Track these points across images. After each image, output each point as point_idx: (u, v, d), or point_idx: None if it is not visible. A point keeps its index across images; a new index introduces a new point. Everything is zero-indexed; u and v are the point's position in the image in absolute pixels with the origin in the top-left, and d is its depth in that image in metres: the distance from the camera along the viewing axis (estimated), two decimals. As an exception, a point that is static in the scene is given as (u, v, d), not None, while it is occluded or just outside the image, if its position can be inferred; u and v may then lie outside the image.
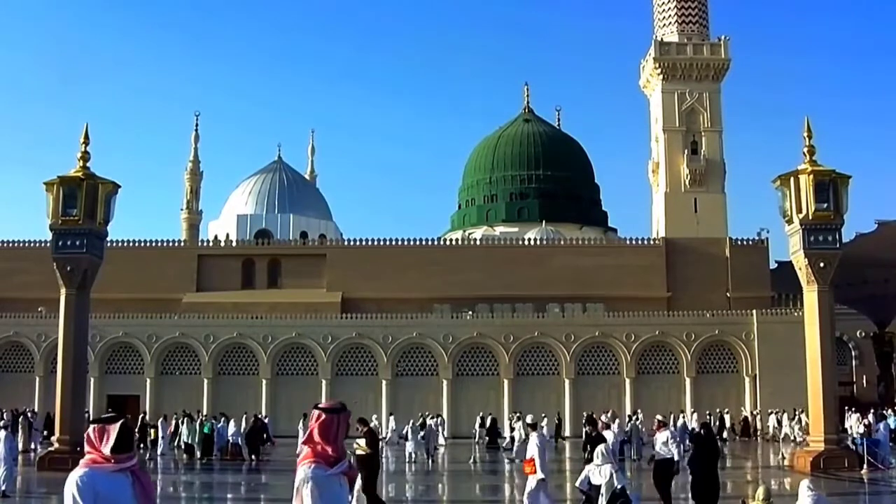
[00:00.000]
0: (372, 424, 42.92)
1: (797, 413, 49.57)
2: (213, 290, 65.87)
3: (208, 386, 57.29)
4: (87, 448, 5.57)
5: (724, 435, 49.34)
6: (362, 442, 18.61)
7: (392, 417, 51.28)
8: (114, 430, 5.48)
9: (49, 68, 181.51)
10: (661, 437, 20.07)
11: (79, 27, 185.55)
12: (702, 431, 20.07)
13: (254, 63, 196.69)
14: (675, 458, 19.92)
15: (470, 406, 54.97)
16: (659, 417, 21.32)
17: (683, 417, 48.14)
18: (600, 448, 18.05)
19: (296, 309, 60.28)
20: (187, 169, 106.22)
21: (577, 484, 19.29)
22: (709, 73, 72.24)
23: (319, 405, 5.97)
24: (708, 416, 48.91)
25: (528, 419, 19.34)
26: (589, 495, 18.18)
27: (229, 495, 28.51)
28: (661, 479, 19.65)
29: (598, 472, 17.67)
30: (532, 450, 17.54)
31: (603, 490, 17.21)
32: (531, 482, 17.23)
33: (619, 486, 16.92)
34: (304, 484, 5.78)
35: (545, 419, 43.56)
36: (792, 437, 48.73)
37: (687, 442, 43.11)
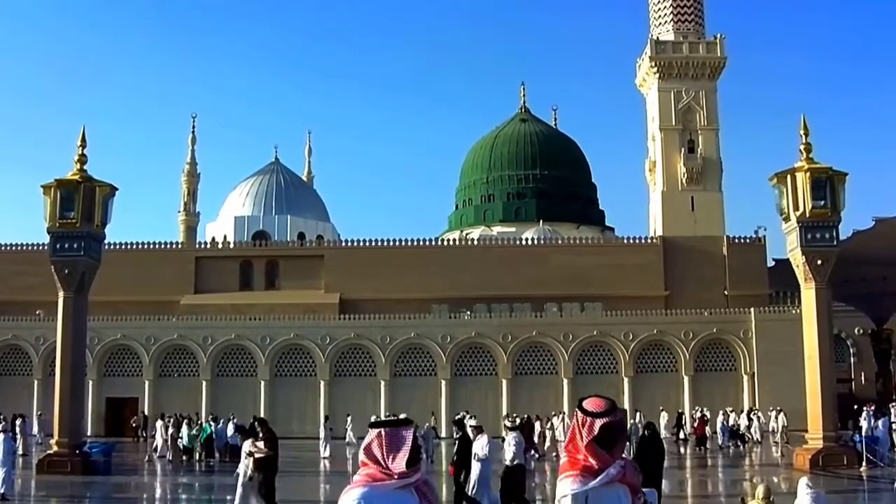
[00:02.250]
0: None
1: (752, 413, 49.82)
2: (211, 291, 65.86)
3: (207, 388, 57.27)
4: (363, 459, 4.57)
5: (682, 435, 49.39)
6: (261, 444, 18.21)
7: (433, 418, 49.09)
8: (407, 437, 4.57)
9: (47, 69, 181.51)
10: (508, 440, 19.00)
11: (77, 28, 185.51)
12: (646, 432, 19.48)
13: (250, 64, 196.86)
14: (520, 461, 18.80)
15: (469, 406, 54.83)
16: (506, 423, 20.51)
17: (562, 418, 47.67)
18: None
19: (294, 310, 60.28)
20: (184, 171, 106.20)
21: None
22: (705, 72, 72.28)
23: (583, 403, 5.02)
24: (664, 416, 49.23)
25: (403, 417, 18.89)
26: None
27: (228, 497, 28.44)
28: (511, 487, 18.41)
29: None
30: None
31: None
32: None
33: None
34: (561, 501, 4.92)
35: (434, 419, 43.65)
36: (749, 438, 48.70)
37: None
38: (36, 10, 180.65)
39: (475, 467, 18.31)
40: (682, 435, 49.24)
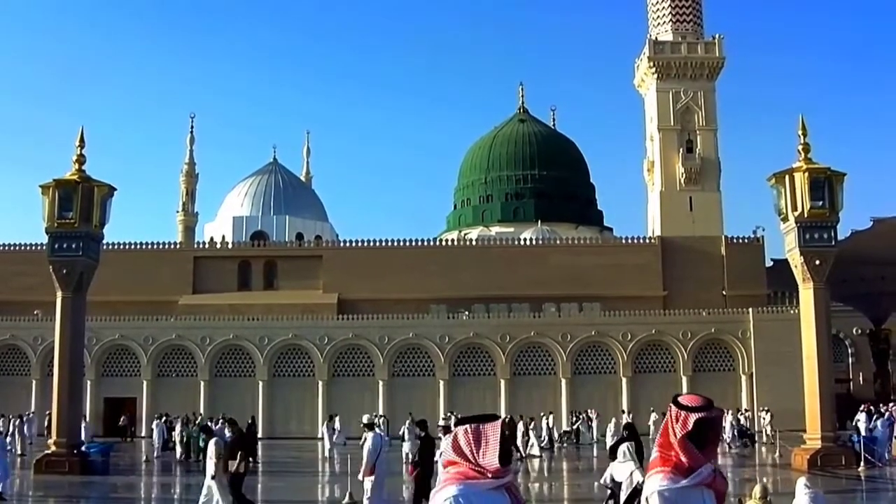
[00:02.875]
0: (364, 422, 42.88)
1: (739, 413, 50.05)
2: (210, 291, 65.81)
3: (205, 388, 57.21)
4: (452, 457, 4.33)
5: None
6: (234, 464, 17.97)
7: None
8: (493, 433, 4.30)
9: (45, 70, 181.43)
10: None
11: (75, 28, 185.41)
12: (625, 433, 19.41)
13: (249, 64, 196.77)
14: None
15: (467, 407, 54.84)
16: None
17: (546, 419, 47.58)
18: (623, 447, 18.09)
19: (292, 310, 60.23)
20: (183, 171, 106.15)
21: (602, 481, 19.37)
22: (703, 72, 72.28)
23: (678, 398, 4.81)
24: (629, 416, 49.28)
25: (364, 419, 18.64)
26: (613, 491, 18.33)
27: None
28: None
29: (621, 470, 17.81)
30: (364, 451, 17.15)
31: (624, 486, 17.34)
32: (367, 485, 16.83)
33: (641, 482, 17.00)
34: (649, 497, 4.73)
35: (382, 418, 44.08)
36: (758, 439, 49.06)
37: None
38: (36, 10, 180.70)
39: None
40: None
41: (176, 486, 30.90)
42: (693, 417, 4.67)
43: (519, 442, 39.86)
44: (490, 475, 4.23)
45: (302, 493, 27.89)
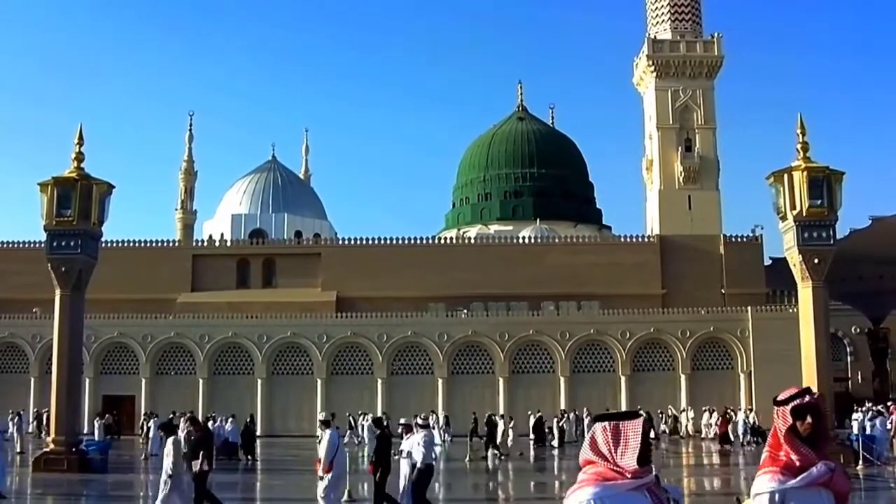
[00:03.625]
0: (321, 419, 42.72)
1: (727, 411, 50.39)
2: (208, 289, 65.82)
3: (203, 386, 57.20)
4: (590, 456, 4.14)
5: (653, 434, 50.12)
6: (198, 464, 17.70)
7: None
8: (634, 432, 4.11)
9: (45, 68, 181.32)
10: (418, 439, 18.03)
11: (74, 27, 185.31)
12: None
13: (248, 62, 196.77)
14: (428, 462, 17.83)
15: (465, 405, 54.92)
16: (417, 421, 19.47)
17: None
18: None
19: (291, 308, 60.23)
20: (182, 169, 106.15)
21: None
22: (702, 71, 72.34)
23: (776, 397, 4.69)
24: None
25: (321, 416, 18.37)
26: None
27: (226, 494, 28.38)
28: (422, 487, 17.69)
29: None
30: (321, 448, 17.12)
31: None
32: (324, 481, 16.81)
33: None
34: (755, 498, 4.53)
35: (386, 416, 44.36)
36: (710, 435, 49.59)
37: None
38: (36, 10, 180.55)
39: (404, 465, 18.09)
40: (652, 434, 49.63)
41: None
42: (789, 407, 4.57)
43: (499, 440, 39.64)
44: (629, 475, 4.05)
45: (301, 492, 27.85)
